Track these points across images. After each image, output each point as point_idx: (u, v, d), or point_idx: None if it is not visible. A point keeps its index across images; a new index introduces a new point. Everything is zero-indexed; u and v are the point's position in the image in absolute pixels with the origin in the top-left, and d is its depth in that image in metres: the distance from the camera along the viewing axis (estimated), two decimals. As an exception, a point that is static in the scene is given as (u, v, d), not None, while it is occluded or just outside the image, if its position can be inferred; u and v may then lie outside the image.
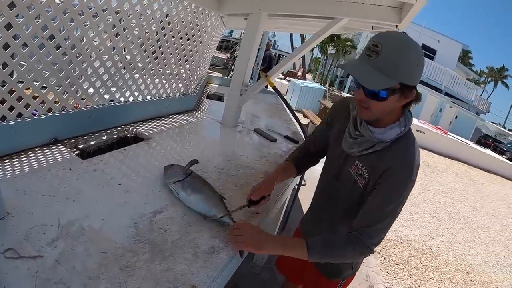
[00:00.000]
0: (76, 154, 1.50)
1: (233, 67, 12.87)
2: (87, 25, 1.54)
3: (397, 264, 3.61)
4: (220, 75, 7.51)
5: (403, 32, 0.99)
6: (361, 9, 1.91)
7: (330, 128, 1.31)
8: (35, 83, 1.43)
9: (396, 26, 1.94)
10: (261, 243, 1.07)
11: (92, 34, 1.59)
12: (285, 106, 3.23)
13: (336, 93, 14.05)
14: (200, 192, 1.29)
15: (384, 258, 3.66)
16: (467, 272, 3.92)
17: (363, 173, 1.09)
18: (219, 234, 1.17)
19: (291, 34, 20.29)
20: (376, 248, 1.09)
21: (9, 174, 1.20)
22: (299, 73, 20.74)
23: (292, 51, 22.86)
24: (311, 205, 1.50)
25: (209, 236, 1.14)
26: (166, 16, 1.96)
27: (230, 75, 11.13)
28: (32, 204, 1.06)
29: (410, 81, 0.93)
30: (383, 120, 1.04)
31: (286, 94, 12.13)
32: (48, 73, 1.46)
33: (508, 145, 19.37)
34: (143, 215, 1.15)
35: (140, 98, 2.09)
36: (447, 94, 19.23)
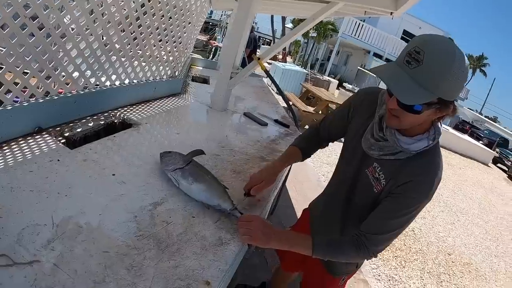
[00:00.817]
0: (62, 143, 1.40)
1: (213, 49, 12.65)
2: (72, 3, 1.42)
3: (381, 246, 3.71)
4: (200, 57, 7.33)
5: (449, 38, 0.88)
6: (357, -7, 1.87)
7: (351, 118, 1.23)
8: (16, 68, 1.31)
9: (391, 13, 1.91)
10: (268, 239, 1.05)
11: (78, 14, 1.47)
12: (276, 89, 3.19)
13: (318, 76, 14.05)
14: (203, 181, 1.23)
15: (369, 241, 3.75)
16: (448, 254, 4.09)
17: (379, 177, 1.05)
18: (224, 224, 1.13)
19: (272, 16, 19.96)
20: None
21: None
22: (280, 56, 20.60)
23: (273, 33, 22.56)
24: (324, 198, 1.47)
25: (214, 227, 1.10)
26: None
27: (210, 57, 10.93)
28: (21, 202, 0.96)
29: (449, 96, 0.85)
30: (411, 129, 0.97)
31: (267, 77, 12.00)
32: (31, 56, 1.34)
33: (485, 131, 20.13)
34: (143, 208, 1.08)
35: (126, 81, 1.98)
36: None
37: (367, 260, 1.14)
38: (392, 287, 3.08)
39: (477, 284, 3.72)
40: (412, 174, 0.97)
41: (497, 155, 14.70)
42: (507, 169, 13.87)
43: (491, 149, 14.78)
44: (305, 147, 1.39)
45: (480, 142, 16.12)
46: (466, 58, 0.83)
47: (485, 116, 35.19)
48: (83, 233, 0.91)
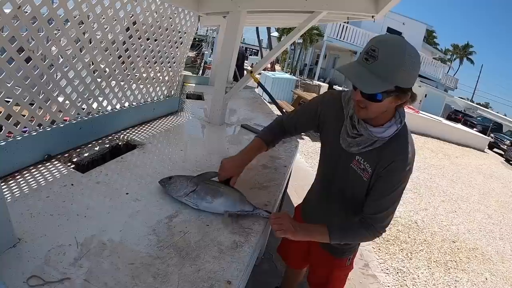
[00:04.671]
0: (72, 168, 1.46)
1: (202, 64, 12.72)
2: (71, 33, 1.49)
3: (387, 241, 3.77)
4: (190, 73, 7.41)
5: (401, 36, 1.04)
6: (339, 2, 1.97)
7: (320, 123, 1.35)
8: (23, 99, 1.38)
9: (373, 16, 2.00)
10: (296, 231, 1.19)
11: (78, 44, 1.55)
12: (269, 98, 3.27)
13: (308, 81, 14.21)
14: (220, 195, 1.29)
15: (375, 237, 3.81)
16: (453, 241, 4.15)
17: (365, 167, 1.17)
18: (237, 229, 1.21)
19: (257, 28, 20.24)
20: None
21: (9, 198, 1.14)
22: (268, 65, 20.80)
23: (259, 43, 22.87)
24: (311, 199, 1.59)
25: (228, 233, 1.18)
26: (150, 20, 1.94)
27: (200, 73, 10.99)
28: (43, 226, 1.02)
29: (405, 84, 0.99)
30: (378, 118, 1.10)
31: (257, 87, 12.12)
32: (36, 87, 1.41)
33: (478, 118, 20.36)
34: (159, 221, 1.15)
35: (126, 104, 2.06)
36: (415, 73, 19.80)
37: (378, 237, 1.25)
38: (401, 279, 3.13)
39: (484, 267, 3.77)
40: (392, 156, 1.10)
41: (492, 140, 14.87)
42: (503, 153, 14.03)
43: (485, 135, 14.95)
44: (270, 140, 1.53)
45: (474, 129, 16.31)
46: (417, 50, 0.98)
47: (477, 103, 35.60)
48: (107, 249, 0.97)
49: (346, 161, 1.23)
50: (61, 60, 1.49)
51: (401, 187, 1.14)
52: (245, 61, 8.87)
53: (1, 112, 1.31)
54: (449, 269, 3.53)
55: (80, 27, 1.52)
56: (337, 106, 1.26)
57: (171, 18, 2.12)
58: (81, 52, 1.59)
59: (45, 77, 1.44)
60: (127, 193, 1.30)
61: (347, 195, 1.29)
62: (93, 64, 1.69)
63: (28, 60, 1.33)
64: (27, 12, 1.27)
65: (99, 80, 1.76)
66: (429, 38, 33.69)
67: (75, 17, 1.47)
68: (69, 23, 1.46)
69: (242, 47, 9.47)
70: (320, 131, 1.37)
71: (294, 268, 1.97)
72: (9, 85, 1.30)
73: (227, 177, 1.41)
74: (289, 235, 1.18)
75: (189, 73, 6.96)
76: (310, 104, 1.41)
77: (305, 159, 5.89)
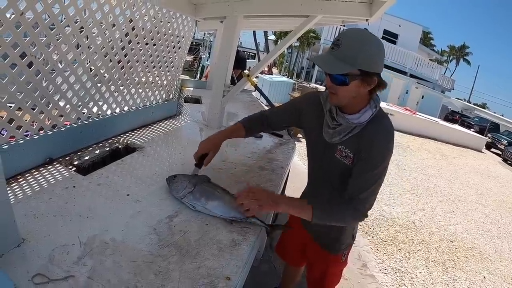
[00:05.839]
0: (73, 171, 1.49)
1: (199, 68, 12.75)
2: (72, 38, 1.53)
3: (385, 241, 3.80)
4: (188, 77, 7.44)
5: (364, 28, 1.16)
6: (333, 6, 2.00)
7: (302, 121, 1.44)
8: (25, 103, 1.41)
9: (367, 19, 2.04)
10: (277, 203, 1.23)
11: (79, 49, 1.58)
12: (266, 102, 3.30)
13: (305, 84, 14.29)
14: (215, 198, 1.31)
15: (372, 237, 3.84)
16: (451, 241, 4.18)
17: (348, 154, 1.24)
18: (235, 228, 1.24)
19: (254, 31, 20.34)
20: (367, 217, 1.26)
21: (12, 200, 1.14)
22: (266, 68, 20.86)
23: (256, 47, 22.99)
24: (306, 193, 1.63)
25: (227, 231, 1.21)
26: (148, 26, 1.98)
27: (198, 77, 11.04)
28: (46, 227, 1.05)
29: (368, 68, 1.07)
30: (353, 106, 1.19)
31: (255, 91, 12.12)
32: (38, 91, 1.44)
33: (475, 119, 20.49)
34: (160, 221, 1.18)
35: (126, 108, 2.09)
36: (412, 75, 19.94)
37: (360, 221, 1.29)
38: (399, 279, 3.16)
39: (482, 266, 3.81)
40: (371, 137, 1.18)
41: (489, 140, 14.96)
42: (501, 153, 14.11)
43: (482, 135, 15.04)
44: (250, 128, 1.62)
45: (471, 129, 16.40)
46: (379, 39, 1.10)
47: (474, 104, 35.77)
48: (110, 248, 1.00)
49: (330, 152, 1.29)
50: (62, 65, 1.52)
51: (382, 166, 1.18)
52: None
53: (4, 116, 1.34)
54: (447, 268, 3.56)
55: (80, 32, 1.55)
56: (317, 104, 1.34)
57: (169, 23, 2.16)
58: (81, 57, 1.62)
59: (46, 82, 1.47)
60: (127, 195, 1.33)
61: (336, 185, 1.34)
62: (93, 69, 1.72)
63: (30, 65, 1.36)
64: (29, 18, 1.30)
65: (99, 84, 1.79)
66: (426, 39, 33.95)
67: (75, 23, 1.50)
68: (70, 29, 1.50)
69: (244, 52, 9.44)
70: (303, 129, 1.47)
71: (292, 266, 2.01)
72: (12, 90, 1.33)
73: (202, 153, 1.48)
74: (269, 208, 1.22)
75: (187, 77, 6.98)
76: (297, 102, 1.51)
77: (303, 161, 5.93)
